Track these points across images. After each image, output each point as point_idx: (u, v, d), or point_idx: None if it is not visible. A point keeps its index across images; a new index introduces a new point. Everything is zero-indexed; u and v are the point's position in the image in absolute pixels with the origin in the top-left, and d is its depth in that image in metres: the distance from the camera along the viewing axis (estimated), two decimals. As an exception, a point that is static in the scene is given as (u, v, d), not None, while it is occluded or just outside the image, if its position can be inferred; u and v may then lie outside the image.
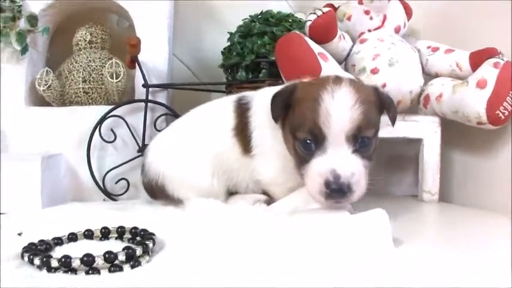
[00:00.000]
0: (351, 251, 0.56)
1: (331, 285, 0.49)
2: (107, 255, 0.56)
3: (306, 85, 0.83)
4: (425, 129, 1.19)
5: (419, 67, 1.24)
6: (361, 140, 0.76)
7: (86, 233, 0.72)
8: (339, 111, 0.75)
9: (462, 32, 1.32)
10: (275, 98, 0.84)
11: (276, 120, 0.84)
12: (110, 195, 1.21)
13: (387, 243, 0.59)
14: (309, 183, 0.76)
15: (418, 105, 1.26)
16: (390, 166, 1.40)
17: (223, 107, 0.99)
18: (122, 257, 0.57)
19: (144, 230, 0.68)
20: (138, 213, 0.92)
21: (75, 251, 0.60)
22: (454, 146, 1.26)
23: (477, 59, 1.16)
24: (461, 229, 0.89)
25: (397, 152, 1.40)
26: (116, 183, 1.21)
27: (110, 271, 0.56)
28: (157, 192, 0.99)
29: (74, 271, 0.56)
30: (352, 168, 0.74)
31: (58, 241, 0.69)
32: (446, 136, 1.21)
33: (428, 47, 1.28)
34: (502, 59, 1.09)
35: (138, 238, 0.69)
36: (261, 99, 0.94)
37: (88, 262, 0.56)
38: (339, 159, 0.74)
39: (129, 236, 0.71)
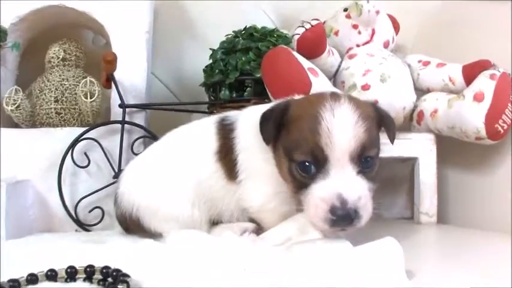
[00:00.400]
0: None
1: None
2: (68, 306, 0.47)
3: (300, 102, 0.76)
4: (420, 147, 1.15)
5: (411, 82, 1.20)
6: (364, 160, 0.70)
7: (49, 273, 0.61)
8: (341, 129, 0.68)
9: (451, 46, 1.29)
10: (265, 117, 0.76)
11: (267, 142, 0.76)
12: (83, 226, 1.11)
13: (401, 277, 0.50)
14: (311, 210, 0.69)
15: (410, 122, 1.22)
16: (381, 188, 1.34)
17: (204, 129, 0.91)
18: (87, 306, 0.48)
19: (117, 271, 0.59)
20: (112, 246, 0.82)
21: (34, 297, 0.51)
22: (447, 163, 1.21)
23: (470, 71, 1.13)
24: (471, 252, 0.83)
25: (387, 173, 1.33)
26: (90, 212, 1.11)
27: (72, 325, 0.46)
28: (131, 226, 0.90)
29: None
30: (359, 191, 0.67)
31: (14, 284, 0.59)
32: (439, 153, 1.16)
33: (419, 61, 1.25)
34: (498, 70, 1.07)
35: (109, 280, 0.59)
36: (246, 119, 0.86)
37: (46, 313, 0.46)
38: (344, 182, 0.67)
39: (100, 277, 0.62)
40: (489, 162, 1.12)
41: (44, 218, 1.12)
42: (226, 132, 0.86)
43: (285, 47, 1.05)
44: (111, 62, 1.07)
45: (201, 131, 0.91)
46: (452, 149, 1.18)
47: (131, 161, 0.97)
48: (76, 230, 1.11)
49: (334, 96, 0.72)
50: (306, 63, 1.02)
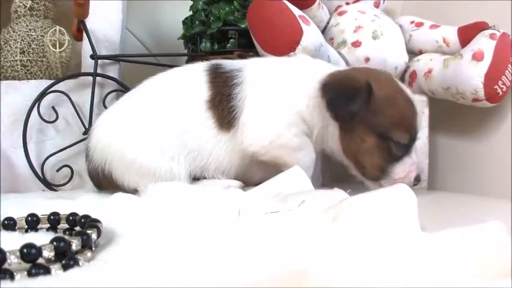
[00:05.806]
0: (376, 234, 0.41)
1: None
2: (24, 251, 0.38)
3: (380, 81, 0.80)
4: (412, 109, 1.08)
5: (403, 42, 1.14)
6: None
7: (6, 222, 0.53)
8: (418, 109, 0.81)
9: (441, 12, 1.24)
10: (343, 93, 0.78)
11: (346, 119, 0.78)
12: (50, 185, 1.02)
13: (414, 225, 0.44)
14: (402, 177, 0.79)
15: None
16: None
17: (191, 76, 0.85)
18: (48, 253, 0.40)
19: (86, 217, 0.51)
20: (83, 200, 0.74)
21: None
22: (437, 128, 1.15)
23: (467, 33, 1.08)
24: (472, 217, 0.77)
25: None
26: (58, 171, 1.03)
27: (29, 274, 0.38)
28: (103, 182, 0.83)
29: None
30: None
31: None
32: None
33: (412, 22, 1.19)
34: (498, 30, 1.02)
35: (78, 228, 0.52)
36: (256, 70, 0.84)
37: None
38: (414, 153, 0.81)
39: (66, 226, 0.54)
40: (482, 128, 1.09)
41: (9, 178, 1.03)
42: (223, 80, 0.82)
43: (273, -6, 0.96)
44: (82, 5, 0.97)
45: (188, 78, 0.85)
46: (442, 113, 1.13)
47: (104, 112, 0.89)
48: (43, 190, 1.02)
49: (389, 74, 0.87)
50: (296, 10, 0.94)
